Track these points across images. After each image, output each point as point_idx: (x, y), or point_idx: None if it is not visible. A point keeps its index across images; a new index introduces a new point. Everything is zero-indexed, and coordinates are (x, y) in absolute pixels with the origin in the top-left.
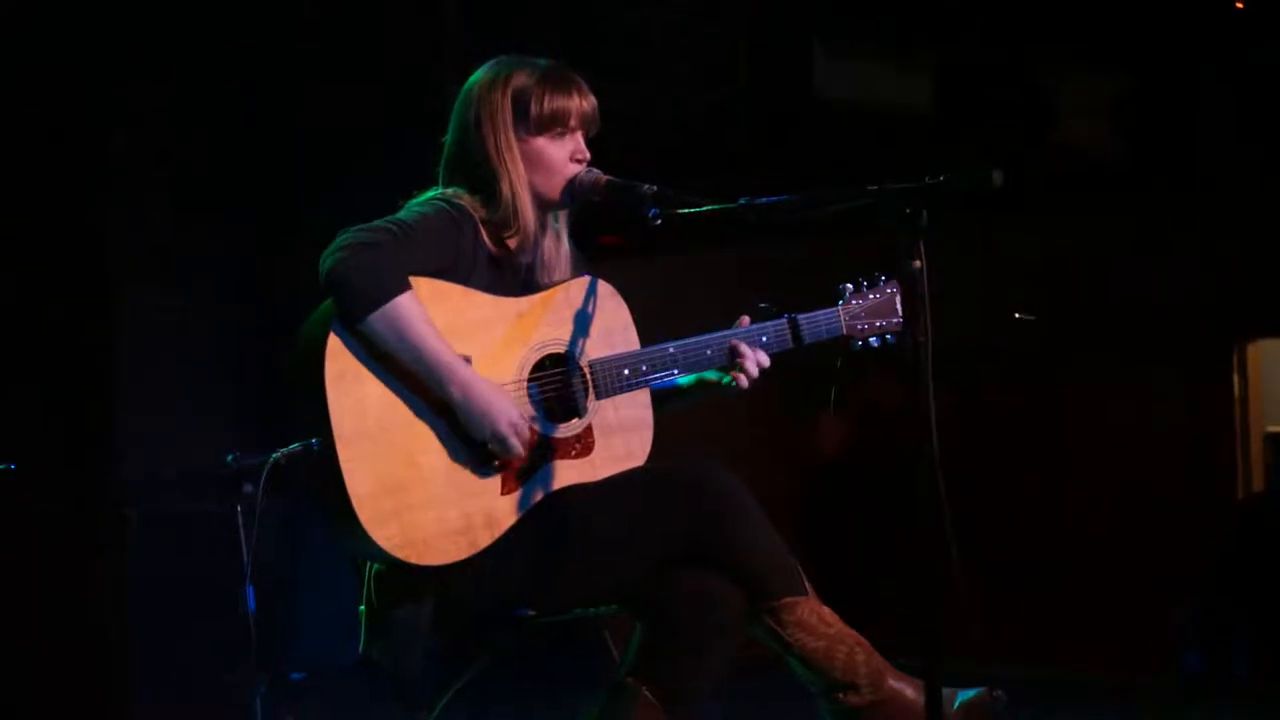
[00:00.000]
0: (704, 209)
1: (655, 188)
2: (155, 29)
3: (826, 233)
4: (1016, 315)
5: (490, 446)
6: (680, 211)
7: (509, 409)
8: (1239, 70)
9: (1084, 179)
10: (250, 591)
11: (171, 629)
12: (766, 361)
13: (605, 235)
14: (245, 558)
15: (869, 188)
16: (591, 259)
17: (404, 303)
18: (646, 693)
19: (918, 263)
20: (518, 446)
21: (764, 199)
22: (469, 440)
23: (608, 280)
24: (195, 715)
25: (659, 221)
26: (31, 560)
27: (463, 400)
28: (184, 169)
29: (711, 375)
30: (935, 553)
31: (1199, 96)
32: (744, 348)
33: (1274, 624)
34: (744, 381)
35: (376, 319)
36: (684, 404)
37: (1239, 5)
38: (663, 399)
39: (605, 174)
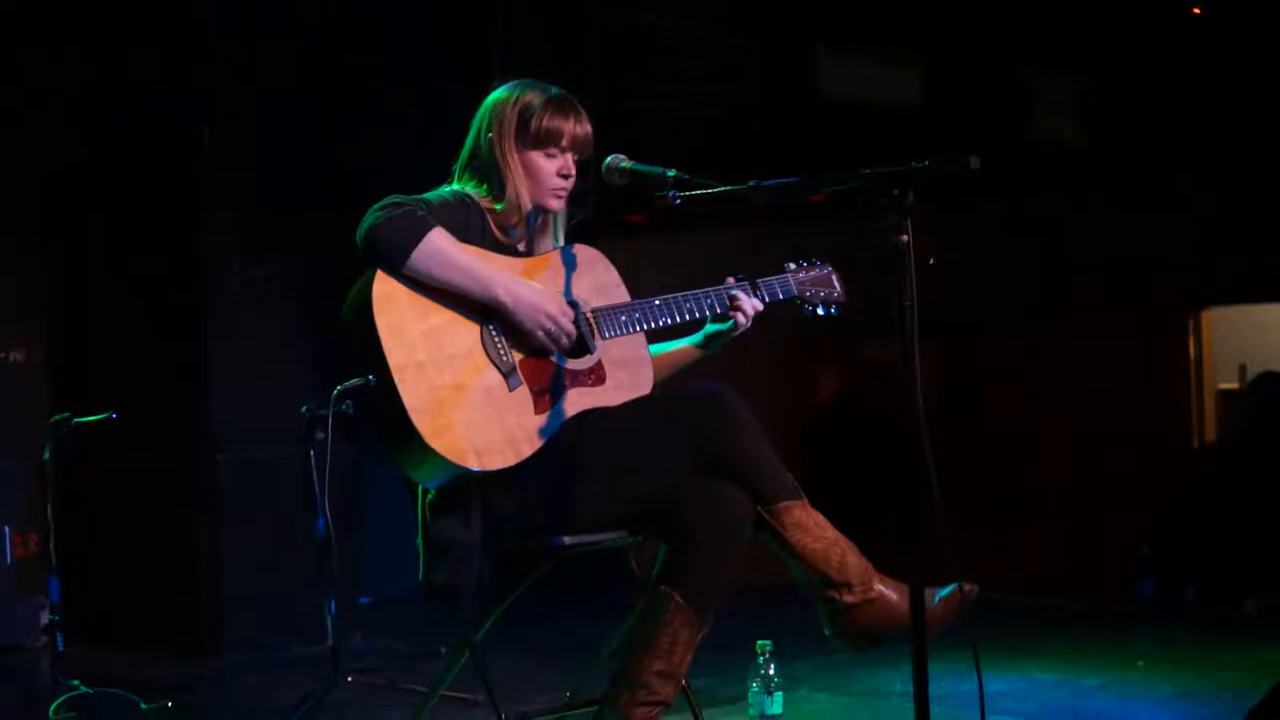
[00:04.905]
0: (716, 190)
1: (673, 172)
2: (240, 35)
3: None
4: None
5: (547, 329)
6: (695, 193)
7: (554, 296)
8: (1196, 69)
9: (1058, 166)
10: (321, 525)
11: (255, 558)
12: (760, 306)
13: (632, 214)
14: (318, 495)
15: (862, 171)
16: (621, 235)
17: (436, 237)
18: (677, 596)
19: (905, 237)
20: (568, 324)
21: (770, 181)
22: (502, 370)
23: (635, 254)
24: (276, 633)
25: (677, 202)
26: (137, 498)
27: (511, 299)
28: (265, 159)
29: (716, 327)
30: (920, 493)
31: (1158, 93)
32: (742, 296)
33: (1219, 557)
34: (740, 319)
35: (416, 256)
36: (705, 356)
37: (1195, 11)
38: (686, 359)
39: (630, 160)
